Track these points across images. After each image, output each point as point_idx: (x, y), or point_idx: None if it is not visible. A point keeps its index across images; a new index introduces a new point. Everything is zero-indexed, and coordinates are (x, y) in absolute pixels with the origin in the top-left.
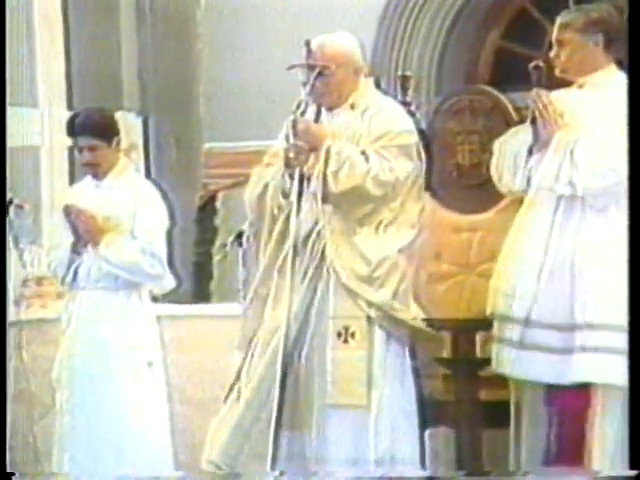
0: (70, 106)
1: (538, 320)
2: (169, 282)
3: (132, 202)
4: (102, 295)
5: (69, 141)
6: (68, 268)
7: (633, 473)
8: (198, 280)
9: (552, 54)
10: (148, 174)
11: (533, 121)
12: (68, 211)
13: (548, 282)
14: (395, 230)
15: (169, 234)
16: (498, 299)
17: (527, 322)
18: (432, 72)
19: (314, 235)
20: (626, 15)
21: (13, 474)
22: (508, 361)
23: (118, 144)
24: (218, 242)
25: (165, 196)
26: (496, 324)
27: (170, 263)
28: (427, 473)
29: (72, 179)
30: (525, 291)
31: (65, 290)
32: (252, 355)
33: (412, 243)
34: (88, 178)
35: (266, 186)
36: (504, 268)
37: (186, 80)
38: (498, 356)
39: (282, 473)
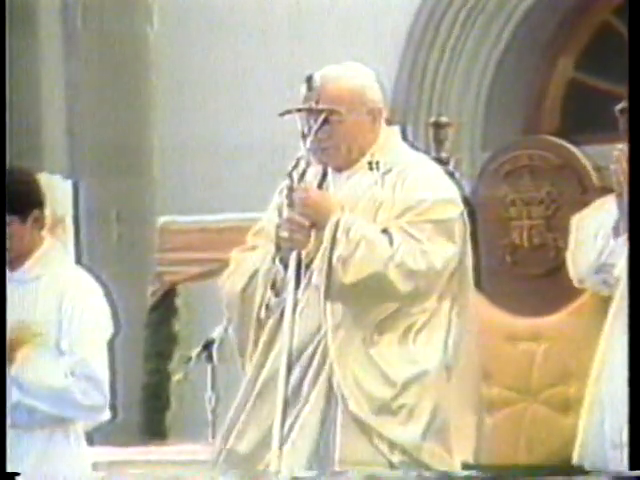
0: None
1: None
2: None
3: (58, 301)
4: (11, 435)
5: None
6: None
7: (633, 473)
8: (149, 410)
9: None
10: (78, 260)
11: (619, 191)
12: None
13: None
14: (427, 339)
15: (111, 347)
16: (591, 446)
17: None
18: (477, 118)
19: (315, 346)
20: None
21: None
22: None
23: (38, 220)
24: (177, 355)
25: (108, 292)
26: None
27: (112, 388)
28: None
29: None
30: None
31: None
32: None
33: (452, 357)
34: None
35: (250, 278)
36: (596, 400)
37: (133, 130)
38: None
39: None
